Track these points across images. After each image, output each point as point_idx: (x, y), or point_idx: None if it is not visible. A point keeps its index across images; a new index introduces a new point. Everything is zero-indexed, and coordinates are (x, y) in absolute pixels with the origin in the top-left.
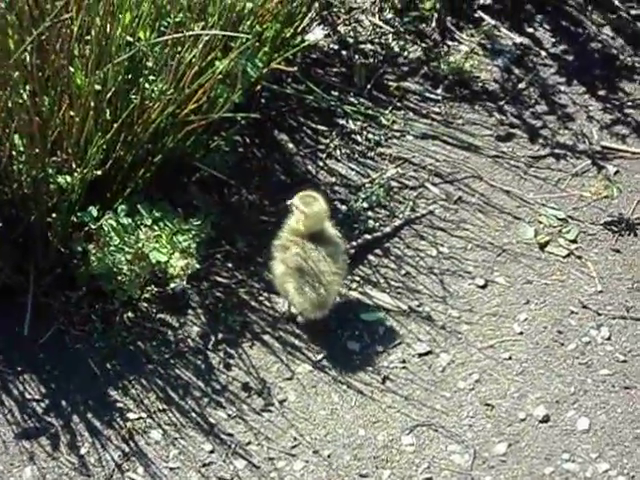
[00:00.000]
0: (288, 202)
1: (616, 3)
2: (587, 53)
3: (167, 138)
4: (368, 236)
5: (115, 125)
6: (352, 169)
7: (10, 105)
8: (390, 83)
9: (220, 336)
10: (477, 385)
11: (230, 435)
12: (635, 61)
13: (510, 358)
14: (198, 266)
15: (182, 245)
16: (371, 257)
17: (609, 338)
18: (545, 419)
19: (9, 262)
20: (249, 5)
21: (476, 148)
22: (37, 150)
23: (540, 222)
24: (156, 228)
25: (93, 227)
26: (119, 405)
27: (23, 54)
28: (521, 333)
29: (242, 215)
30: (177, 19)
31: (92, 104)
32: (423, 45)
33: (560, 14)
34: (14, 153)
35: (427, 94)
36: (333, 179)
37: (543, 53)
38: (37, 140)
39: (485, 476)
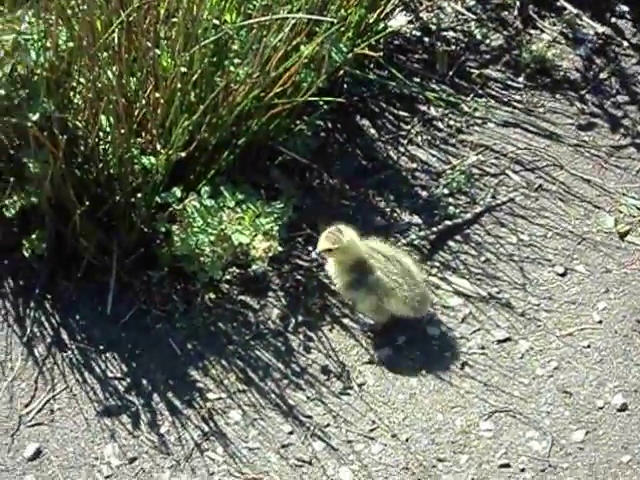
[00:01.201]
0: (315, 254)
1: None
2: None
3: (251, 121)
4: (448, 222)
5: (200, 107)
6: (433, 155)
7: (98, 86)
8: (472, 70)
9: (300, 319)
10: (555, 372)
11: (309, 417)
12: None
13: (589, 346)
14: (280, 249)
15: (264, 227)
16: (451, 243)
17: None
18: (623, 408)
19: (93, 242)
20: None
21: (557, 137)
22: (123, 131)
23: (620, 211)
24: (239, 210)
25: (176, 208)
26: (199, 385)
27: (111, 36)
28: (600, 322)
29: (323, 199)
30: (263, 2)
31: (178, 86)
32: (505, 33)
33: None
34: (101, 134)
35: (509, 82)
36: (414, 165)
37: (625, 43)
38: (123, 121)
39: (562, 463)
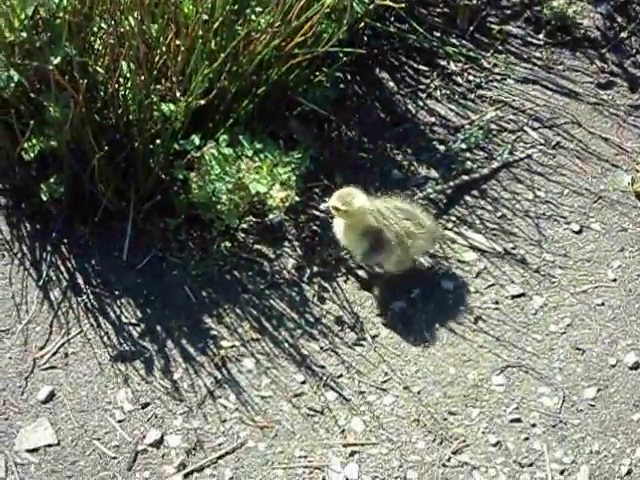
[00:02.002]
0: (324, 206)
1: None
2: None
3: (271, 70)
4: (465, 177)
5: (221, 55)
6: (452, 110)
7: (119, 31)
8: (492, 26)
9: (315, 269)
10: (569, 329)
11: (322, 367)
12: None
13: (603, 304)
14: (297, 199)
15: (282, 177)
16: (468, 198)
17: None
18: (635, 366)
19: (111, 187)
20: None
21: (576, 94)
22: (143, 77)
23: (637, 170)
24: (257, 159)
25: (195, 156)
26: (213, 333)
27: None
28: (614, 280)
29: (341, 151)
30: None
31: (199, 33)
32: None
33: None
34: (121, 79)
35: (529, 38)
36: (432, 119)
37: None
38: (143, 67)
39: (573, 419)
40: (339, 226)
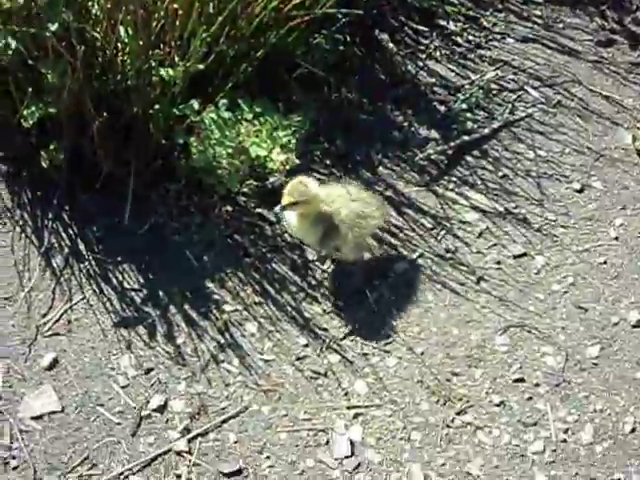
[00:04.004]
0: (277, 209)
1: None
2: None
3: (270, 33)
4: (466, 137)
5: (219, 18)
6: (452, 70)
7: None
8: None
9: None
10: (571, 288)
11: (325, 330)
12: None
13: (605, 262)
14: (297, 161)
15: (282, 140)
16: (469, 158)
17: None
18: (638, 324)
19: (111, 153)
20: None
21: (576, 53)
22: (141, 42)
23: (638, 128)
24: (256, 123)
25: (194, 120)
26: (215, 297)
27: None
28: (616, 238)
29: (341, 113)
30: None
31: None
32: None
33: None
34: (119, 45)
35: None
36: (432, 80)
37: None
38: (141, 32)
39: (577, 378)
40: (291, 217)
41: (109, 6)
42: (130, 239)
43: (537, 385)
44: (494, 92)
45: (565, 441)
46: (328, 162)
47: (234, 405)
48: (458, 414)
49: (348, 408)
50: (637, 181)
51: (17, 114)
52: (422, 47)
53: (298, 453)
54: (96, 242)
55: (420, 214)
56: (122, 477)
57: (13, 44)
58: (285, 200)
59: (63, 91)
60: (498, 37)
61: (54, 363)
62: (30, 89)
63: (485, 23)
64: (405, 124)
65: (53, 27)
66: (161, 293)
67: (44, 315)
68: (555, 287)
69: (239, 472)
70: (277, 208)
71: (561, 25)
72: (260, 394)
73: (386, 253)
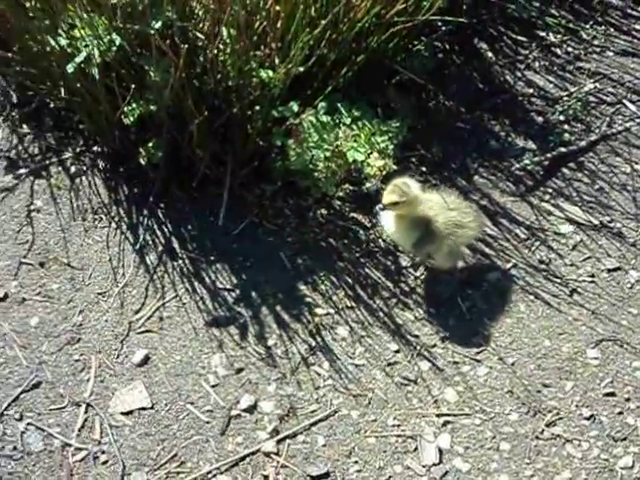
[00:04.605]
0: (379, 207)
1: None
2: None
3: (371, 39)
4: (563, 149)
5: (321, 22)
6: (550, 81)
7: None
8: None
9: None
10: None
11: (416, 337)
12: None
13: None
14: (395, 167)
15: (380, 146)
16: (565, 170)
17: None
18: None
19: (209, 153)
20: None
21: None
22: (243, 43)
23: None
24: (355, 127)
25: (293, 123)
26: (308, 300)
27: None
28: None
29: (438, 120)
30: None
31: (299, 0)
32: None
33: None
34: (221, 45)
35: (629, 10)
36: (530, 90)
37: None
38: (243, 33)
39: None
40: (388, 218)
41: (213, 6)
42: (224, 239)
43: (628, 400)
44: (592, 105)
45: None
46: (424, 169)
47: (323, 408)
48: (548, 426)
49: (437, 416)
50: None
51: (118, 110)
52: (521, 57)
53: (386, 459)
54: (190, 241)
55: (514, 224)
56: (210, 476)
57: (117, 40)
58: (386, 199)
59: (165, 89)
60: (597, 50)
61: (145, 360)
62: (133, 86)
63: (585, 35)
64: (502, 134)
65: (157, 25)
66: (254, 294)
67: (137, 312)
68: None
69: (327, 475)
70: (378, 207)
71: None
72: (350, 398)
73: (480, 262)
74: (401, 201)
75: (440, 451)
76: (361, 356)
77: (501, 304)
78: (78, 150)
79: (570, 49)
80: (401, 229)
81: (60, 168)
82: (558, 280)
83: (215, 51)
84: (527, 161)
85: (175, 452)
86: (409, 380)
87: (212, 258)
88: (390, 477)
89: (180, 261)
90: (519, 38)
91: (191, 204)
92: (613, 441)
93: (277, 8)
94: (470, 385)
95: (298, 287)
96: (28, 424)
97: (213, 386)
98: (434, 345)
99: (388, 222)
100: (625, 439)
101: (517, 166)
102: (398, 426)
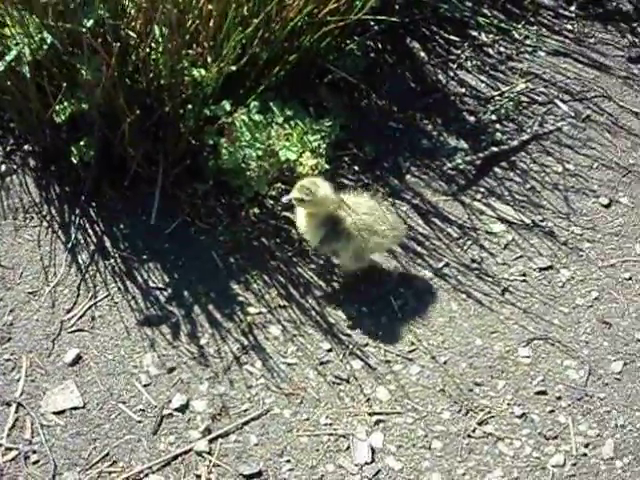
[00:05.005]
0: (285, 199)
1: None
2: None
3: (303, 38)
4: (495, 148)
5: (253, 21)
6: (482, 81)
7: None
8: None
9: None
10: (595, 303)
11: (348, 335)
12: None
13: (630, 278)
14: (327, 166)
15: (312, 145)
16: (497, 169)
17: None
18: None
19: (140, 151)
20: None
21: (607, 68)
22: (175, 42)
23: None
24: (287, 126)
25: (225, 121)
26: (240, 299)
27: None
28: None
29: (371, 119)
30: None
31: None
32: None
33: None
34: (153, 44)
35: (561, 10)
36: (462, 90)
37: None
38: (176, 32)
39: (599, 393)
40: (300, 214)
41: (145, 5)
42: (156, 238)
43: (559, 398)
44: (524, 104)
45: (586, 455)
46: (357, 168)
47: (256, 407)
48: (480, 424)
49: (370, 414)
50: None
51: (49, 109)
52: (453, 57)
53: (319, 457)
54: (122, 240)
55: (447, 223)
56: (142, 475)
57: (49, 39)
58: (293, 194)
59: (96, 87)
60: (529, 50)
61: (77, 359)
62: (64, 84)
63: (517, 35)
64: (434, 133)
65: (88, 23)
66: (186, 293)
67: (68, 311)
68: (579, 301)
69: (259, 474)
70: (284, 198)
71: (592, 40)
72: (282, 397)
73: (412, 261)
74: (307, 199)
75: (372, 450)
76: (293, 355)
77: (433, 303)
78: (8, 149)
79: (502, 49)
80: (310, 226)
81: None
82: (490, 279)
83: (147, 50)
84: (459, 160)
85: (107, 451)
86: (341, 379)
87: (144, 257)
88: (322, 476)
89: (112, 260)
90: (451, 38)
91: (123, 203)
92: (545, 439)
93: (209, 7)
94: (402, 384)
95: (230, 286)
96: None
97: (145, 385)
98: (366, 344)
99: (300, 219)
100: (556, 437)
101: (449, 165)
102: (330, 425)
